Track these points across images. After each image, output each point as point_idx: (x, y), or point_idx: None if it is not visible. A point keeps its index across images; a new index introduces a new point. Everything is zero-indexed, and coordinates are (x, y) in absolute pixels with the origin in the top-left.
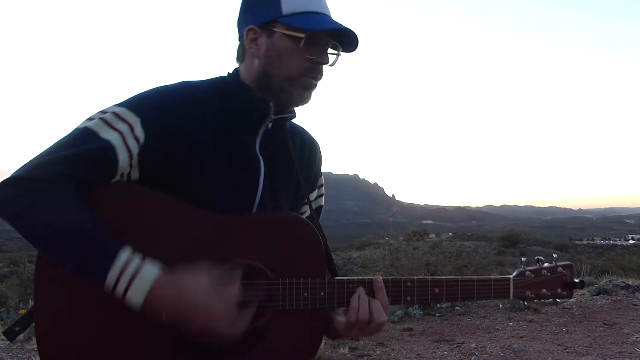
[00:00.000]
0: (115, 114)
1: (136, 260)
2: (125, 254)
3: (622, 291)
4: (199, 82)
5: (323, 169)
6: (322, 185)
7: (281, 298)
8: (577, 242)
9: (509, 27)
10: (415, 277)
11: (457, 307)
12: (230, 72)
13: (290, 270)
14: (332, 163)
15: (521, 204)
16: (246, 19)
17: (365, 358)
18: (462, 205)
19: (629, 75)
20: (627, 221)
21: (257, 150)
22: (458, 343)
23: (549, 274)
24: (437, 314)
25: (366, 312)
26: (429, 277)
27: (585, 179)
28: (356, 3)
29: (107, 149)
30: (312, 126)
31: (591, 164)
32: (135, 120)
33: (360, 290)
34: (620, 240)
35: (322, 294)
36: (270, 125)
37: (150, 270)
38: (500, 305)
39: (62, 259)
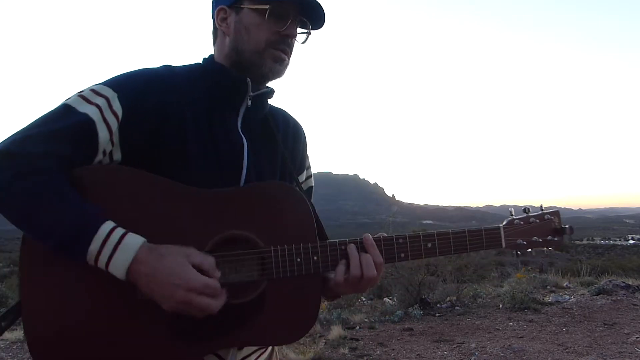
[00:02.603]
0: (93, 90)
1: (119, 230)
2: (107, 225)
3: (622, 291)
4: (178, 67)
5: (324, 169)
6: (309, 167)
7: (274, 266)
8: (577, 242)
9: (510, 26)
10: (407, 234)
11: (457, 307)
12: (206, 57)
13: (281, 238)
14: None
15: (521, 204)
16: (217, 0)
17: (365, 358)
18: (462, 205)
19: (629, 75)
20: (627, 221)
21: (240, 130)
22: (458, 343)
23: (537, 221)
24: (437, 314)
25: (357, 268)
26: (421, 232)
27: (585, 179)
28: (356, 3)
29: (86, 122)
30: (312, 126)
31: (591, 164)
32: (112, 95)
33: (351, 247)
34: (620, 240)
35: (315, 258)
36: (249, 102)
37: (134, 240)
38: (500, 305)
39: (43, 234)
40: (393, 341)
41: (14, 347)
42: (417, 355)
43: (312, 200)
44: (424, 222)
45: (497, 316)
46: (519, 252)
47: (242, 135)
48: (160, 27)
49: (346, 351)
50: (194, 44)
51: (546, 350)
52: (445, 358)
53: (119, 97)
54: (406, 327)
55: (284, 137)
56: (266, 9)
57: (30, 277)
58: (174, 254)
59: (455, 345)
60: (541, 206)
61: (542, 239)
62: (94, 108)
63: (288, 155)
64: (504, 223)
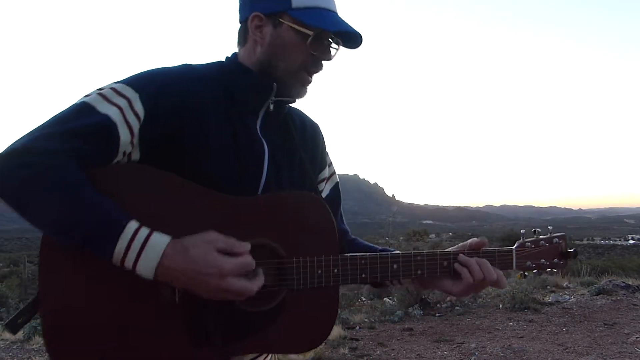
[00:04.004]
0: (114, 89)
1: (144, 229)
2: (133, 224)
3: (622, 291)
4: (198, 65)
5: None
6: (331, 163)
7: (295, 277)
8: (577, 242)
9: (509, 26)
10: (425, 251)
11: (457, 307)
12: (229, 56)
13: (304, 249)
14: None
15: (521, 204)
16: (253, 4)
17: (365, 358)
18: (462, 205)
19: (630, 75)
20: (627, 221)
21: (259, 132)
22: (458, 343)
23: (547, 244)
24: (437, 314)
25: (479, 273)
26: (438, 250)
27: (585, 179)
28: (356, 2)
29: (107, 124)
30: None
31: (591, 164)
32: (134, 95)
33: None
34: (620, 240)
35: (335, 270)
36: (271, 106)
37: (160, 238)
38: (500, 305)
39: (65, 233)
40: (393, 341)
41: (14, 347)
42: (417, 355)
43: (340, 195)
44: (424, 222)
45: (497, 316)
46: (525, 274)
47: (262, 138)
48: (164, 27)
49: (346, 351)
50: (204, 43)
51: (546, 350)
52: (445, 358)
53: (140, 98)
54: (406, 327)
55: (302, 138)
56: (309, 35)
57: (49, 275)
58: (198, 244)
59: (455, 345)
60: (549, 230)
61: (549, 262)
62: (116, 109)
63: (307, 158)
64: (516, 245)
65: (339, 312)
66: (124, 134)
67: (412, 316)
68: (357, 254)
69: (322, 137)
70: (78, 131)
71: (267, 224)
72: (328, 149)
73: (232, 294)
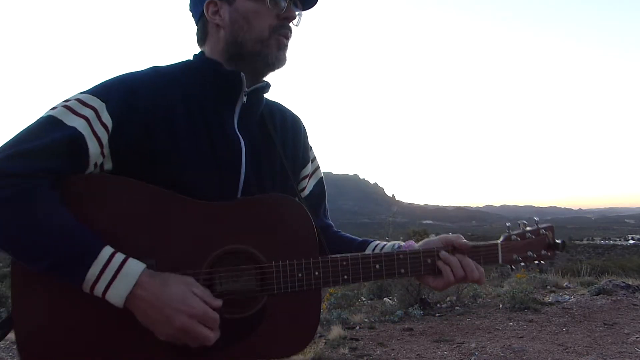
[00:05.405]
0: (79, 100)
1: (119, 255)
2: (107, 250)
3: (622, 291)
4: (166, 66)
5: (324, 169)
6: (314, 158)
7: (275, 281)
8: (577, 242)
9: (509, 26)
10: (408, 250)
11: (457, 307)
12: (196, 54)
13: (283, 253)
14: (332, 163)
15: (521, 204)
16: None
17: (365, 358)
18: (462, 205)
19: (629, 75)
20: (627, 221)
21: (236, 129)
22: (458, 343)
23: (533, 237)
24: (437, 314)
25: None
26: (421, 249)
27: (585, 179)
28: (355, 2)
29: (74, 137)
30: (312, 126)
31: (591, 164)
32: (100, 105)
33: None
34: (620, 240)
35: (316, 273)
36: (245, 99)
37: (135, 267)
38: (500, 305)
39: (34, 256)
40: (393, 341)
41: (14, 347)
42: (417, 355)
43: (324, 190)
44: (424, 222)
45: (497, 316)
46: (512, 267)
47: (239, 134)
48: (157, 26)
49: (346, 351)
50: (189, 42)
51: (546, 350)
52: (445, 358)
53: (107, 108)
54: (406, 327)
55: (283, 133)
56: None
57: (22, 294)
58: (177, 282)
59: (455, 345)
60: (536, 221)
61: (536, 254)
62: (82, 121)
63: (288, 154)
64: (501, 239)
65: (339, 312)
66: (92, 146)
67: (412, 316)
68: (338, 255)
69: (305, 131)
70: (47, 148)
71: (245, 229)
72: (311, 142)
73: (192, 337)
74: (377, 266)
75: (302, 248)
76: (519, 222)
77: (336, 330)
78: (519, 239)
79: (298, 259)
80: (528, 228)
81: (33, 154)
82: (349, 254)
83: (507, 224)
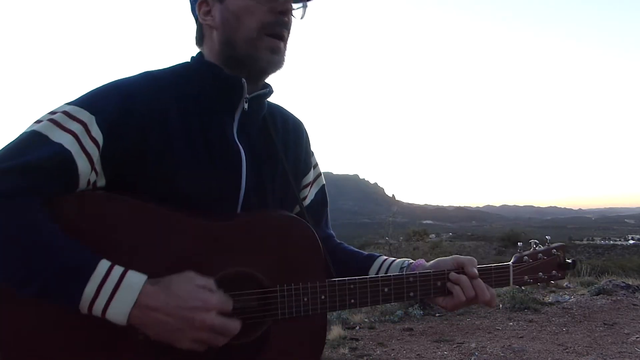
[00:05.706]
0: (66, 113)
1: (117, 268)
2: (104, 263)
3: (622, 291)
4: (160, 70)
5: (324, 169)
6: (316, 165)
7: (280, 306)
8: (577, 242)
9: (509, 26)
10: (417, 272)
11: None
12: (194, 55)
13: (288, 276)
14: (332, 163)
15: (521, 204)
16: None
17: (365, 358)
18: (462, 205)
19: (629, 75)
20: (627, 221)
21: (235, 137)
22: (458, 343)
23: (544, 257)
24: (437, 314)
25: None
26: (431, 271)
27: (585, 179)
28: (356, 3)
29: (61, 154)
30: (312, 126)
31: (591, 164)
32: (89, 118)
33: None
34: (620, 240)
35: (322, 297)
36: (246, 105)
37: (136, 278)
38: (500, 305)
39: (23, 282)
40: (393, 341)
41: None
42: (417, 355)
43: (326, 198)
44: (424, 222)
45: (497, 316)
46: (522, 288)
47: (239, 143)
48: (160, 27)
49: (346, 351)
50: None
51: (546, 350)
52: (445, 358)
53: (96, 120)
54: (406, 327)
55: (285, 139)
56: None
57: (6, 307)
58: (180, 280)
59: (455, 345)
60: (547, 240)
61: (547, 275)
62: (69, 137)
63: (290, 157)
64: (513, 260)
65: (339, 312)
66: (82, 164)
67: (412, 316)
68: (346, 278)
69: (307, 136)
70: (33, 165)
71: (247, 250)
72: (313, 148)
73: (216, 331)
74: (386, 289)
75: (308, 270)
76: (530, 240)
77: (336, 330)
78: (530, 260)
79: (304, 282)
80: (540, 248)
81: (17, 172)
82: (357, 277)
83: (519, 244)
